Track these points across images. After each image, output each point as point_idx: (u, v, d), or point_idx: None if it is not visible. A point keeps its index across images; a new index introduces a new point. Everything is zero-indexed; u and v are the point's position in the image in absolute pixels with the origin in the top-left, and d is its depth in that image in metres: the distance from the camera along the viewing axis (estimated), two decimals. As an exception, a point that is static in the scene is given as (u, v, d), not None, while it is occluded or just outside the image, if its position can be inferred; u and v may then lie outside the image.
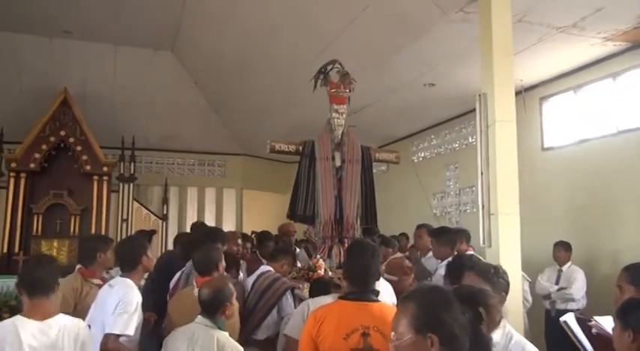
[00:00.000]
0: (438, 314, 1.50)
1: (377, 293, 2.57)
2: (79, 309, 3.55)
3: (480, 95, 4.37)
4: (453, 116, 8.63)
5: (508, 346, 2.12)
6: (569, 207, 6.56)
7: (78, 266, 3.84)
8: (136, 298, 3.12)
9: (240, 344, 3.53)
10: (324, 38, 6.36)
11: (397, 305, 1.69)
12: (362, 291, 2.50)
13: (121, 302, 3.03)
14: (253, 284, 4.03)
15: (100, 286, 3.63)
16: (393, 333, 1.58)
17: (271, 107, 8.85)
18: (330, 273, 4.14)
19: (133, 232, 9.23)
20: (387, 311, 2.42)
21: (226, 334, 2.86)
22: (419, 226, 5.76)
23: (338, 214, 4.39)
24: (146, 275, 4.08)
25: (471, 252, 4.60)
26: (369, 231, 4.63)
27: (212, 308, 2.87)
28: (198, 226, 6.23)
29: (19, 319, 2.53)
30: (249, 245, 5.73)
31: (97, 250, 3.77)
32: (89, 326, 3.20)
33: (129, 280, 3.21)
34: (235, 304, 3.27)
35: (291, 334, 3.01)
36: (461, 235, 5.01)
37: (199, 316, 2.87)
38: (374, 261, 2.59)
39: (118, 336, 2.98)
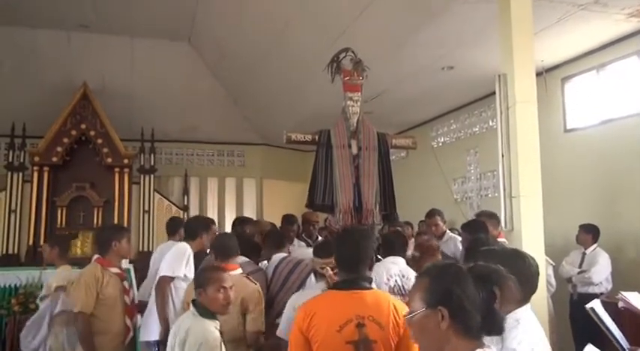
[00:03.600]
0: (448, 288, 1.52)
1: (369, 280, 2.47)
2: (101, 297, 3.67)
3: (499, 76, 4.28)
4: (472, 100, 8.49)
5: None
6: (594, 189, 6.43)
7: (95, 256, 3.90)
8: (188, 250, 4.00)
9: (268, 327, 3.51)
10: (339, 25, 6.28)
11: (413, 283, 1.71)
12: (352, 278, 2.39)
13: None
14: (275, 269, 4.03)
15: (118, 275, 3.70)
16: (408, 309, 1.62)
17: (289, 96, 8.81)
18: None
19: (155, 224, 9.41)
20: (382, 299, 2.34)
21: (207, 323, 2.67)
22: (432, 214, 5.68)
23: (357, 201, 4.35)
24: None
25: (503, 238, 4.54)
26: (388, 218, 4.58)
27: (195, 290, 2.82)
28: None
29: None
30: (295, 228, 5.75)
31: (112, 239, 3.84)
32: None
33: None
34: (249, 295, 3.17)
35: (283, 336, 2.94)
36: (493, 219, 4.94)
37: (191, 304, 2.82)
38: (363, 246, 2.45)
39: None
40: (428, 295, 1.55)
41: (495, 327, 1.53)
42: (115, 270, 3.79)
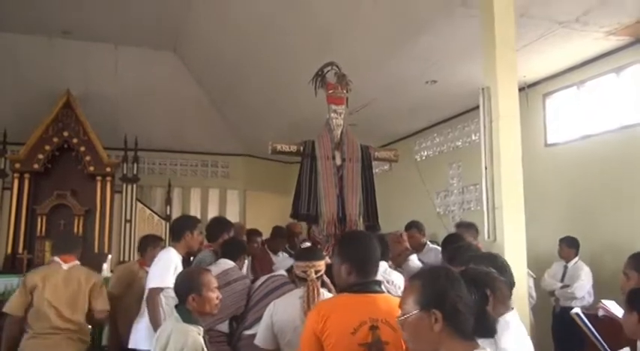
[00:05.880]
0: (442, 291, 1.54)
1: (380, 284, 2.49)
2: (135, 287, 4.56)
3: (483, 89, 4.34)
4: (455, 114, 8.59)
5: None
6: (573, 202, 6.53)
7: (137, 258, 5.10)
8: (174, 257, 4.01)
9: (236, 339, 3.54)
10: (325, 36, 6.34)
11: (405, 285, 1.73)
12: (366, 282, 2.38)
13: None
14: (262, 283, 4.00)
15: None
16: (400, 311, 1.62)
17: (274, 107, 8.83)
18: None
19: (137, 233, 9.28)
20: (393, 302, 2.30)
21: (190, 328, 2.56)
22: (408, 226, 5.69)
23: (340, 212, 4.37)
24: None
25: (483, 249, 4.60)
26: (370, 229, 4.60)
27: (178, 296, 2.74)
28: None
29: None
30: (259, 239, 5.74)
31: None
32: None
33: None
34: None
35: (259, 343, 2.90)
36: (471, 229, 5.03)
37: (174, 310, 2.74)
38: (374, 250, 2.46)
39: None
40: (421, 298, 1.56)
41: (488, 329, 1.56)
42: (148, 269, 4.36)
